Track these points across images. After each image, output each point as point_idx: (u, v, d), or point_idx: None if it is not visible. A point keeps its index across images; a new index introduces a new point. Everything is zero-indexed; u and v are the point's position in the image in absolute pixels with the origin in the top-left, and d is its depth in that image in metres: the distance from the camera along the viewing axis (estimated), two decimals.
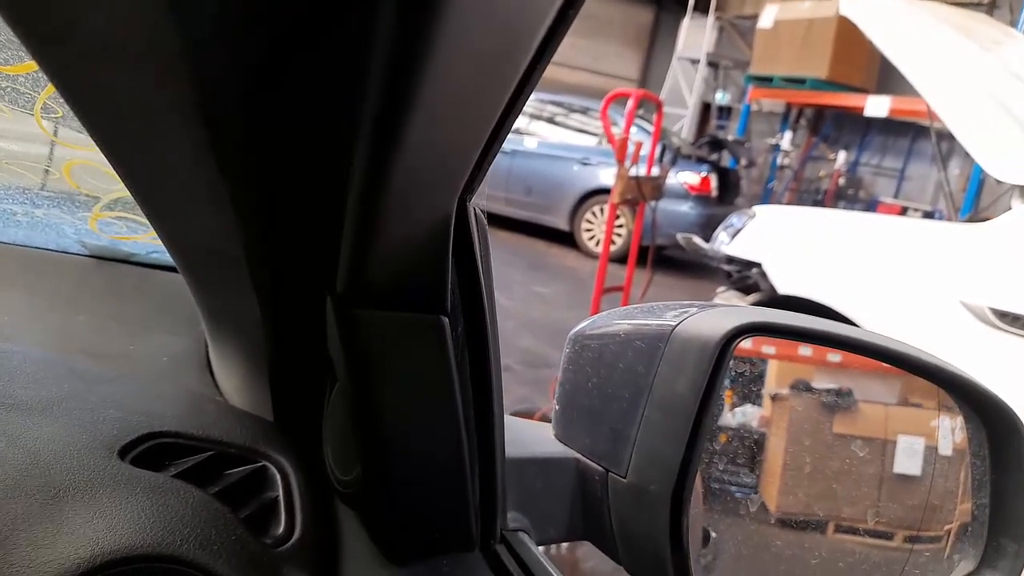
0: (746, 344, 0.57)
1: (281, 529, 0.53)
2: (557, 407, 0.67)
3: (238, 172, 0.44)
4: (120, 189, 0.75)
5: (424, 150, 0.41)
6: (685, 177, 8.56)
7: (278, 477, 0.57)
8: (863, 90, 10.14)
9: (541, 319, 5.92)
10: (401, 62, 0.35)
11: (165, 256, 0.86)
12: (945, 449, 0.70)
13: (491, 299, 0.53)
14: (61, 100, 0.71)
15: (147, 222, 0.88)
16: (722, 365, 0.55)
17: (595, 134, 9.29)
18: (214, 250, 0.54)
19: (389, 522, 0.56)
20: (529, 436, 0.68)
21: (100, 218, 0.79)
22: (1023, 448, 0.62)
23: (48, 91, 0.67)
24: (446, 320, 0.50)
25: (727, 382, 0.59)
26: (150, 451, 0.53)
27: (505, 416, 0.59)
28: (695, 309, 0.59)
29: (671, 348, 0.56)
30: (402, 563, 0.55)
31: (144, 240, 0.85)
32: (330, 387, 0.59)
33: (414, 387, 0.50)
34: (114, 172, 0.47)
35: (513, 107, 0.43)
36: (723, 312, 0.59)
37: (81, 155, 0.73)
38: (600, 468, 0.61)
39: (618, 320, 0.64)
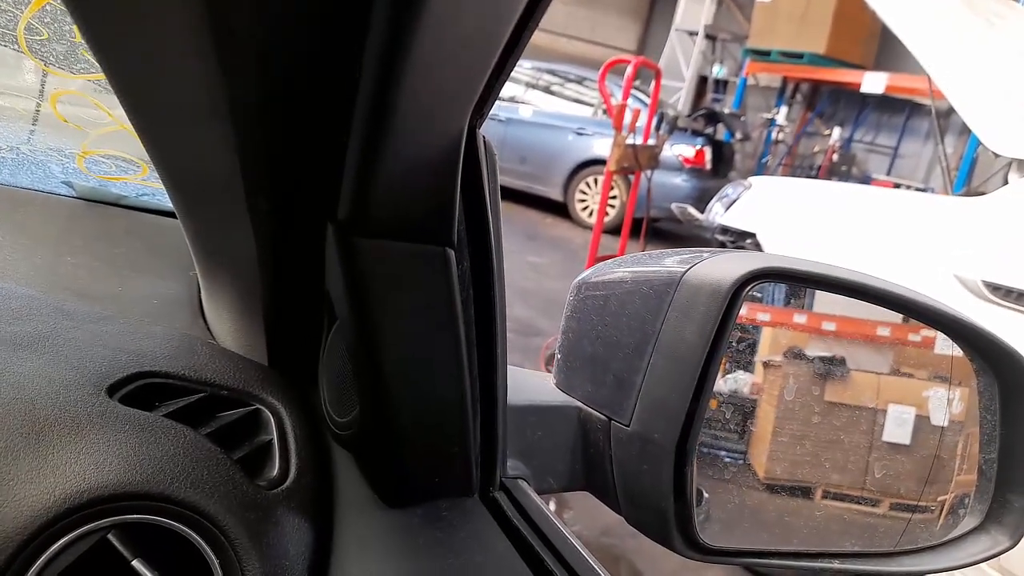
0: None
1: (275, 472, 0.52)
2: (559, 356, 0.66)
3: (239, 88, 0.42)
4: (108, 124, 0.72)
5: (433, 68, 0.39)
6: (680, 149, 8.52)
7: (272, 420, 0.55)
8: (860, 66, 10.09)
9: (534, 288, 5.92)
10: None
11: (156, 199, 0.84)
12: (938, 419, 0.69)
13: (498, 235, 0.51)
14: (47, 20, 0.68)
15: (137, 161, 0.86)
16: (733, 311, 0.53)
17: (591, 104, 9.22)
18: (210, 175, 0.51)
19: (387, 465, 0.54)
20: (530, 385, 0.66)
21: (88, 155, 0.76)
22: None
23: (32, 9, 0.63)
24: (452, 252, 0.47)
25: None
26: (140, 391, 0.52)
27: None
28: (706, 255, 0.58)
29: (680, 294, 0.55)
30: (400, 506, 0.54)
31: (134, 181, 0.82)
32: (327, 327, 0.57)
33: (416, 322, 0.48)
34: (102, 104, 0.45)
35: (526, 24, 0.41)
36: (735, 257, 0.57)
37: (68, 84, 0.70)
38: (603, 417, 0.59)
39: (624, 267, 0.63)
